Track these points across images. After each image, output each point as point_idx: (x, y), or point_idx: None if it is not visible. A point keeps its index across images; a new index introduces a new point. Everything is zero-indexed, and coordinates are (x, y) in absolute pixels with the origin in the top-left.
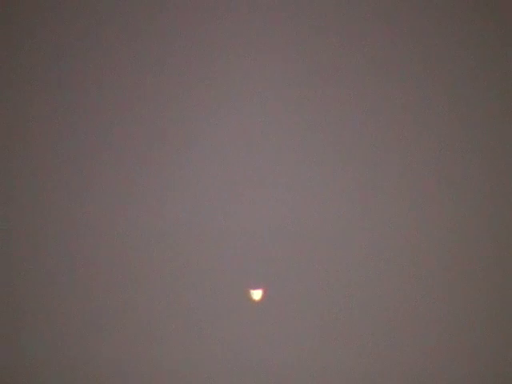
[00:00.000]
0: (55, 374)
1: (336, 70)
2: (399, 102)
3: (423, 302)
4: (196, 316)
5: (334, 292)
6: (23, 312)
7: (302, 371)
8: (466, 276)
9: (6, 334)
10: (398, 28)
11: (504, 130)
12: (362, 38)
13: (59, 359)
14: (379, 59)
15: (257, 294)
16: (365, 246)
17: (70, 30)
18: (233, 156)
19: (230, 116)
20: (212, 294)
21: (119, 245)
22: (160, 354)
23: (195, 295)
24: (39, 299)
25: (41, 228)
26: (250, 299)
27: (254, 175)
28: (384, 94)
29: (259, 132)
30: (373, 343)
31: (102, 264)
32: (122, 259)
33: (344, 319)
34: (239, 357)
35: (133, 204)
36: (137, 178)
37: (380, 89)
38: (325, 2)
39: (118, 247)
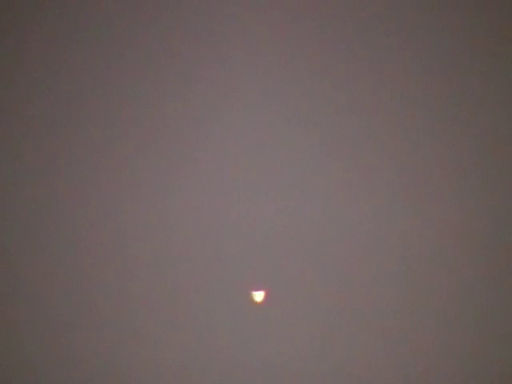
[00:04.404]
0: (54, 373)
1: (338, 70)
2: (399, 103)
3: (426, 304)
4: (197, 317)
5: (337, 293)
6: (22, 311)
7: (305, 373)
8: (467, 277)
9: (5, 333)
10: (397, 28)
11: (504, 131)
12: (363, 39)
13: (58, 359)
14: (379, 59)
15: (259, 296)
16: (368, 248)
17: (70, 28)
18: (235, 157)
19: (231, 116)
20: (213, 294)
21: (120, 246)
22: (161, 356)
23: (196, 296)
24: (39, 299)
25: (41, 228)
26: (251, 301)
27: (256, 176)
28: (384, 95)
29: (262, 133)
30: (376, 345)
31: (103, 265)
32: (122, 261)
33: (347, 320)
34: (240, 358)
35: (133, 204)
36: (137, 179)
37: (379, 89)
38: (325, 3)
39: (119, 248)
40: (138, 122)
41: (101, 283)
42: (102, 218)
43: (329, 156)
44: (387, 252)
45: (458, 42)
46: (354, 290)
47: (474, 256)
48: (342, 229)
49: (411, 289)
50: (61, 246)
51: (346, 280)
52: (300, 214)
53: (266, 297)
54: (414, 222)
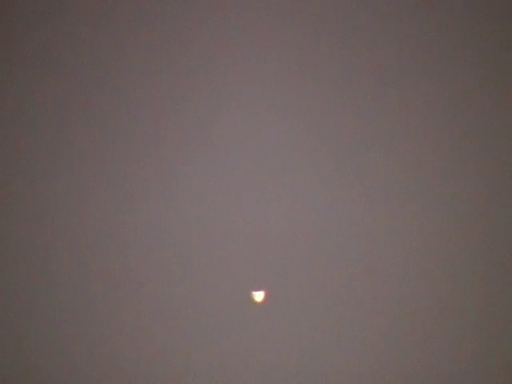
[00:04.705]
0: (53, 373)
1: (339, 72)
2: (399, 104)
3: (427, 305)
4: (197, 317)
5: (338, 293)
6: (22, 312)
7: (305, 373)
8: (467, 277)
9: (5, 334)
10: (397, 30)
11: (504, 131)
12: (363, 41)
13: (58, 359)
14: (378, 61)
15: (259, 296)
16: (369, 248)
17: (69, 27)
18: (236, 159)
19: (232, 118)
20: (213, 294)
21: (120, 247)
22: (160, 356)
23: (196, 297)
24: (39, 300)
25: (40, 228)
26: (251, 301)
27: (257, 177)
28: (384, 96)
29: (264, 135)
30: (378, 346)
31: (103, 267)
32: (123, 261)
33: (348, 321)
34: (240, 358)
35: (134, 205)
36: (138, 179)
37: (380, 91)
38: (325, 5)
39: (119, 250)
40: (137, 123)
41: (100, 284)
42: (104, 216)
43: (329, 157)
44: (387, 253)
45: (459, 42)
46: (354, 290)
47: (474, 256)
48: (343, 229)
49: (411, 289)
50: (60, 247)
51: (347, 280)
52: (300, 214)
53: (266, 297)
54: (414, 226)
